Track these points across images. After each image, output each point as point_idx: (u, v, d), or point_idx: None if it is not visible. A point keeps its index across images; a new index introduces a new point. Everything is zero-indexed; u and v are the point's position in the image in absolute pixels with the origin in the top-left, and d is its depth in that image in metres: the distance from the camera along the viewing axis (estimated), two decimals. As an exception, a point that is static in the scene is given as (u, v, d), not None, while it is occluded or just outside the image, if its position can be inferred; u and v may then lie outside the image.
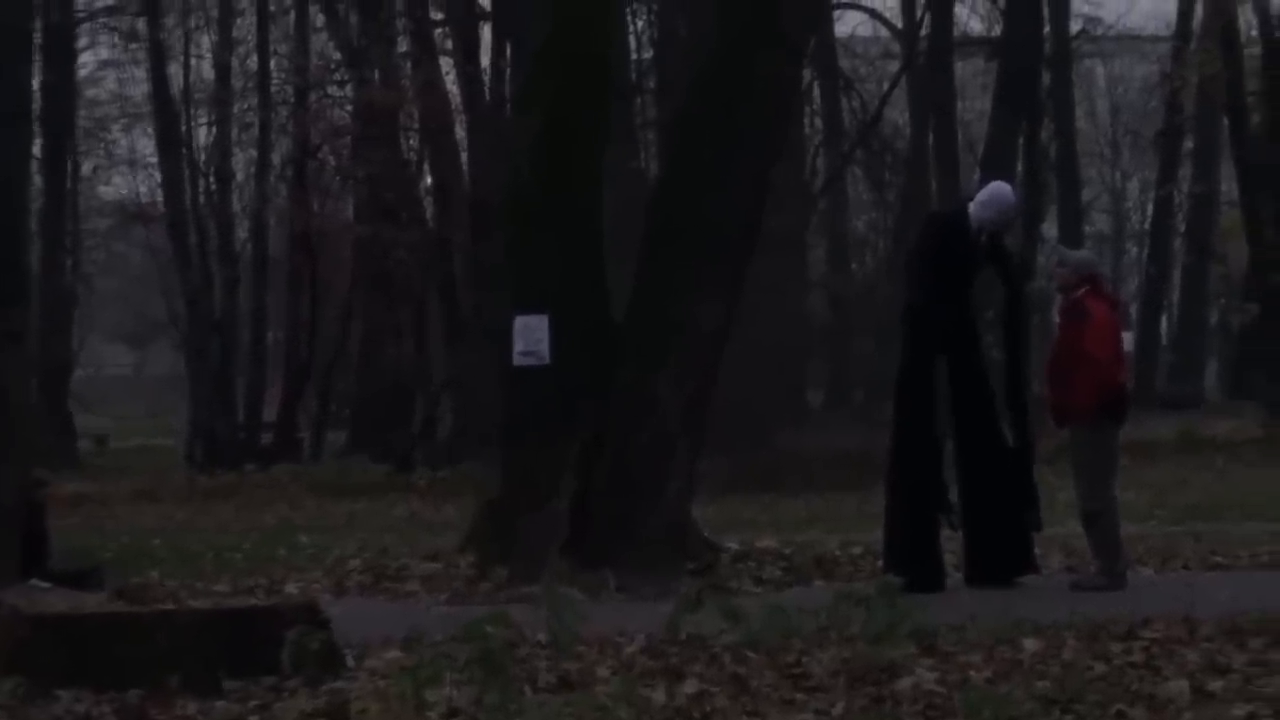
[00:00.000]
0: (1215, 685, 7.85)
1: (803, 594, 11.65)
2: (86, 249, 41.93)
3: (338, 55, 35.82)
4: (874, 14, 43.28)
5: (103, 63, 39.96)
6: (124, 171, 42.65)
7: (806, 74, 32.33)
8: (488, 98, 32.39)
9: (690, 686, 7.99)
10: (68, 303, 38.08)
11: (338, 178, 35.94)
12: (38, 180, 36.48)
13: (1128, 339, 32.87)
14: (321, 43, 37.07)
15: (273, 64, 36.38)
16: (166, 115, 35.70)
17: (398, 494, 25.94)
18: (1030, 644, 8.98)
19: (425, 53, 32.79)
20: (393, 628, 9.90)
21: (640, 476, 12.91)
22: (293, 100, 35.88)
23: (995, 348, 13.53)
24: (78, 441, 37.30)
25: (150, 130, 38.10)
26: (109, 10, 38.67)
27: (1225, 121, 37.95)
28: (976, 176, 32.95)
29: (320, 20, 36.61)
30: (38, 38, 35.07)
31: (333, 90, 36.13)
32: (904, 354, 12.56)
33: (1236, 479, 23.00)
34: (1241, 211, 36.38)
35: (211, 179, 36.12)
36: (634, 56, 33.61)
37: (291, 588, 13.06)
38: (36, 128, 35.68)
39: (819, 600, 9.92)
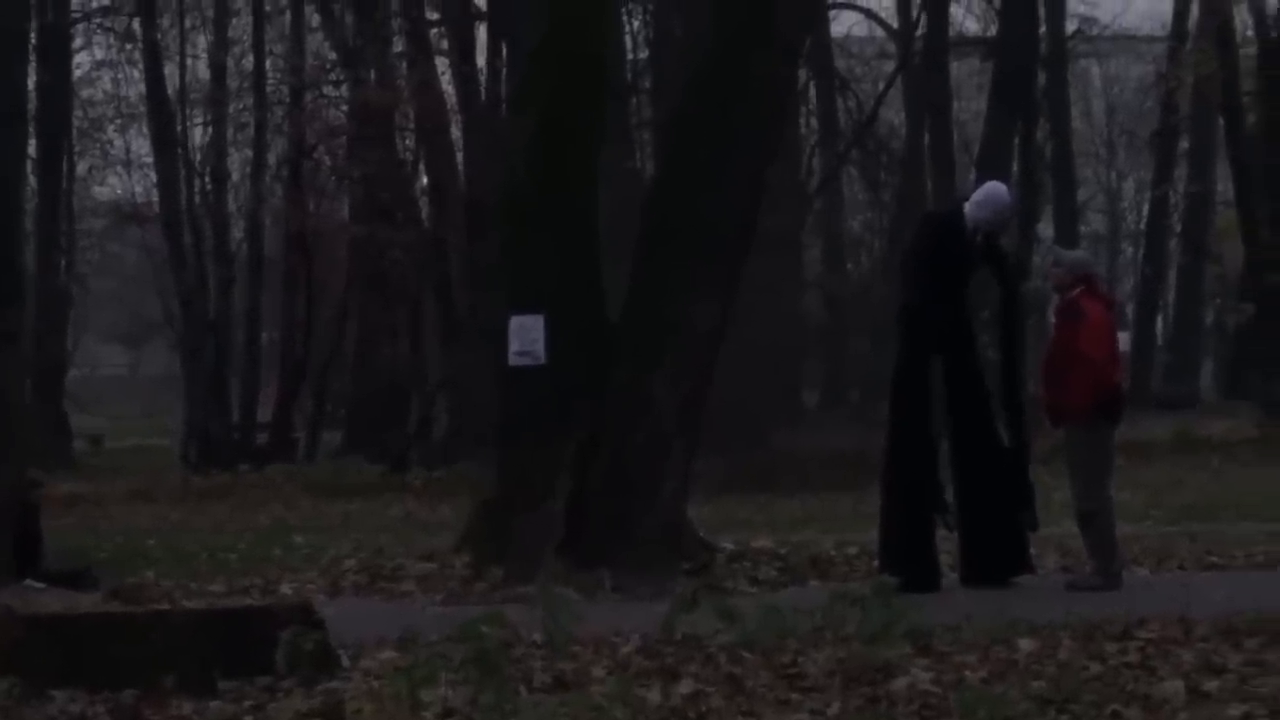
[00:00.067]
0: (1211, 685, 7.86)
1: (798, 594, 11.65)
2: (81, 249, 41.90)
3: (333, 55, 35.80)
4: (869, 14, 43.33)
5: (98, 63, 39.93)
6: (119, 172, 42.63)
7: (802, 74, 32.33)
8: (483, 98, 32.36)
9: (685, 686, 7.99)
10: (63, 303, 38.03)
11: (333, 178, 35.90)
12: (33, 180, 36.43)
13: (1124, 339, 32.86)
14: (317, 43, 37.05)
15: (268, 64, 36.34)
16: (162, 115, 35.64)
17: (393, 494, 25.92)
18: (1025, 644, 8.98)
19: (421, 53, 32.79)
20: (388, 628, 9.89)
21: (636, 476, 12.91)
22: (288, 100, 35.86)
23: (991, 348, 13.54)
24: (73, 441, 37.24)
25: (145, 130, 38.04)
26: (104, 11, 38.63)
27: (1221, 121, 38.03)
28: (972, 176, 32.96)
29: (316, 20, 36.60)
30: (33, 38, 35.13)
31: (328, 90, 36.12)
32: (899, 354, 12.57)
33: (1232, 479, 23.01)
34: (1237, 211, 36.41)
35: (207, 179, 36.06)
36: (630, 56, 33.64)
37: (286, 588, 13.06)
38: (31, 128, 35.62)
39: (814, 600, 9.93)
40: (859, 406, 34.23)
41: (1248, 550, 13.87)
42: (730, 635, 9.15)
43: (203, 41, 37.80)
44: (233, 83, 36.56)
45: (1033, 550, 12.63)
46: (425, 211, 34.79)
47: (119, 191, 43.21)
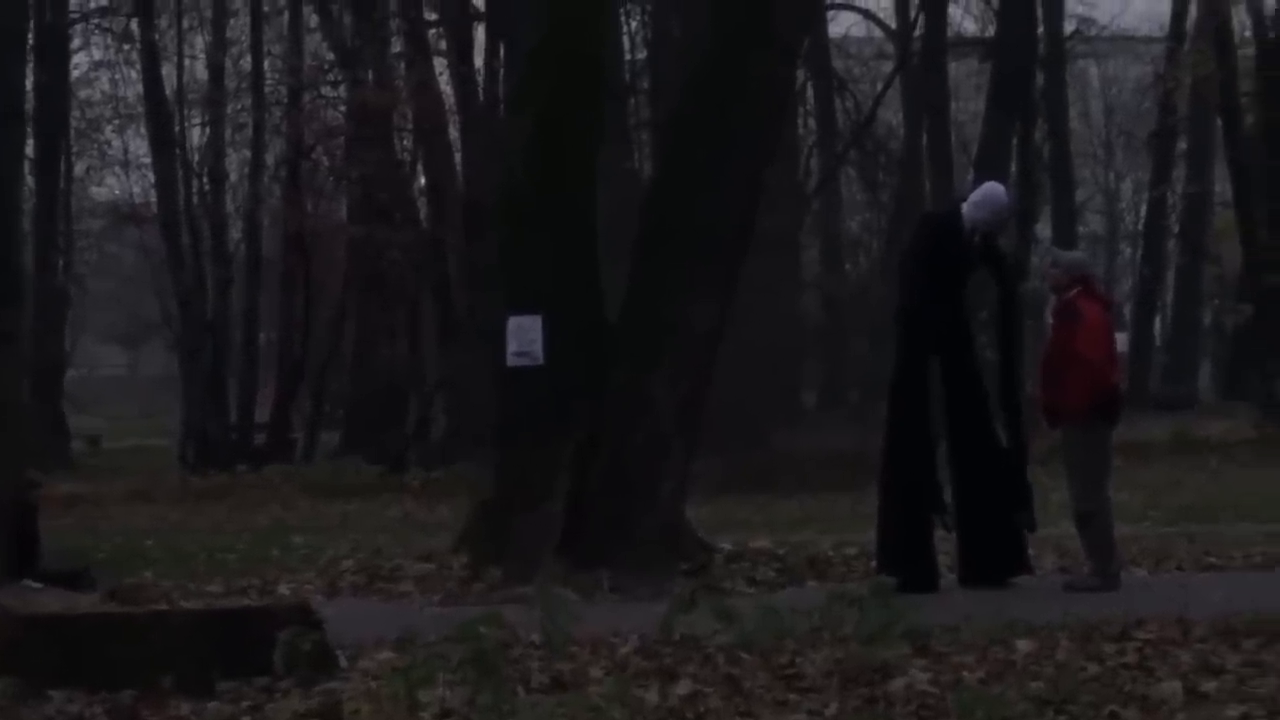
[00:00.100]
0: (1209, 686, 7.86)
1: (796, 595, 11.65)
2: (79, 250, 41.89)
3: (331, 56, 35.81)
4: (868, 14, 43.34)
5: (96, 63, 39.92)
6: (117, 172, 42.61)
7: (800, 74, 32.34)
8: (481, 98, 32.35)
9: (684, 687, 7.99)
10: (61, 303, 38.02)
11: (331, 178, 35.90)
12: (31, 181, 36.47)
13: (1122, 340, 32.86)
14: (315, 43, 37.06)
15: (266, 64, 36.34)
16: (159, 116, 35.64)
17: (391, 494, 25.92)
18: (1024, 645, 8.98)
19: (419, 53, 32.78)
20: (386, 628, 9.89)
21: (634, 477, 12.91)
22: (286, 101, 35.85)
23: (989, 348, 13.54)
24: (71, 442, 37.25)
25: (143, 131, 38.03)
26: (102, 11, 38.63)
27: (1219, 122, 37.99)
28: (970, 177, 32.95)
29: (314, 21, 36.60)
30: (31, 38, 35.14)
31: (326, 91, 36.11)
32: (898, 354, 12.57)
33: (1230, 480, 23.01)
34: (1235, 212, 36.37)
35: (205, 180, 36.05)
36: (628, 57, 33.64)
37: (284, 588, 13.06)
38: (30, 128, 35.72)
39: (812, 601, 9.93)
40: (857, 407, 34.16)
41: (1246, 551, 13.87)
42: (728, 636, 9.15)
43: (201, 42, 37.83)
44: (231, 83, 36.56)
45: (1031, 551, 12.63)
46: (423, 212, 34.78)
47: (117, 192, 43.24)
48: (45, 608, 9.36)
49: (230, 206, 36.96)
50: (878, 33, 43.69)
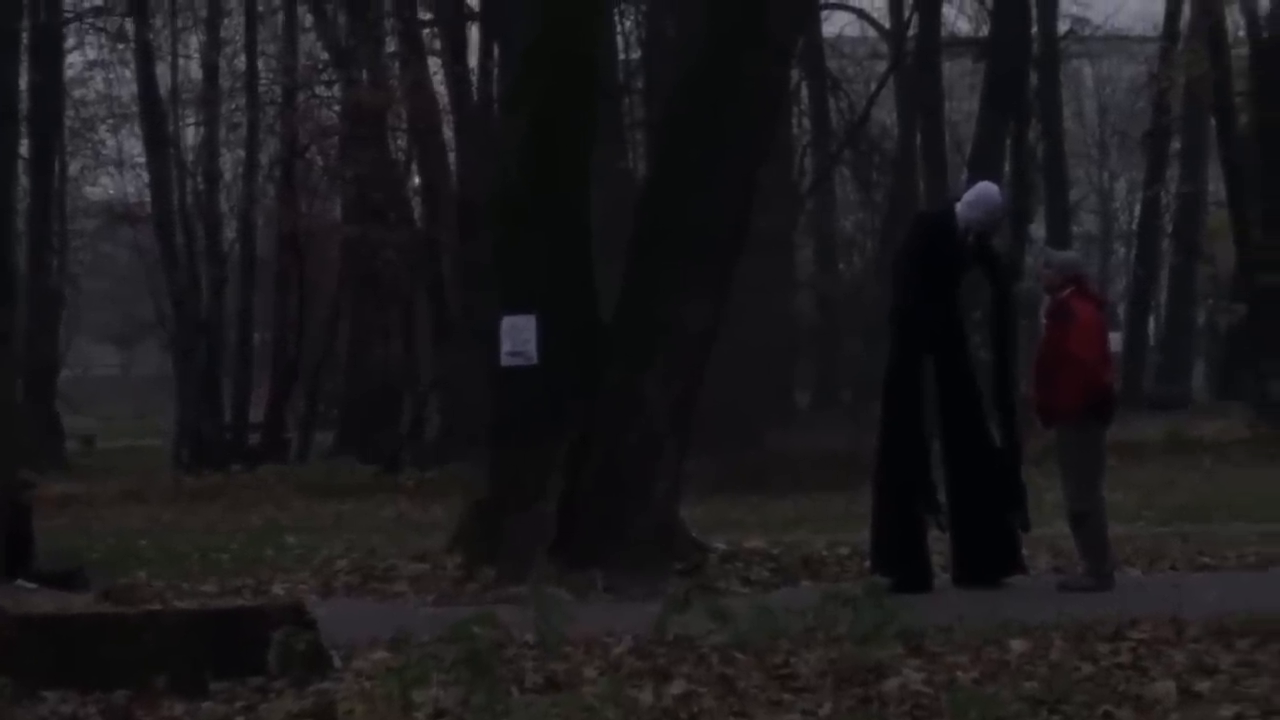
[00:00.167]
0: (1202, 686, 7.86)
1: (790, 594, 11.65)
2: (73, 249, 41.85)
3: (326, 55, 35.76)
4: (861, 14, 43.32)
5: (90, 63, 39.84)
6: (111, 172, 42.49)
7: (794, 74, 32.32)
8: (476, 98, 32.36)
9: (677, 687, 7.99)
10: (55, 303, 37.97)
11: (325, 178, 35.86)
12: (24, 180, 36.50)
13: (1116, 340, 32.86)
14: (310, 43, 37.01)
15: (261, 64, 36.31)
16: (154, 115, 35.61)
17: (385, 494, 25.90)
18: (1017, 645, 8.98)
19: (413, 53, 32.76)
20: (380, 628, 9.89)
21: (628, 477, 12.91)
22: (281, 100, 35.81)
23: (983, 348, 13.54)
24: (65, 442, 37.19)
25: (138, 130, 37.99)
26: (96, 10, 38.57)
27: (1213, 122, 37.98)
28: (964, 177, 32.95)
29: (308, 20, 36.54)
30: (25, 38, 35.15)
31: (321, 90, 36.07)
32: (891, 354, 12.57)
33: (1224, 480, 23.03)
34: (1229, 212, 36.38)
35: (199, 179, 36.01)
36: (622, 57, 33.59)
37: (278, 588, 13.04)
38: (24, 128, 35.78)
39: (806, 601, 9.93)
40: (851, 407, 34.14)
41: (1239, 551, 13.89)
42: (722, 636, 9.15)
43: (195, 41, 37.78)
44: (225, 83, 36.52)
45: (1025, 551, 12.64)
46: (418, 212, 34.77)
47: (111, 191, 43.12)
48: (39, 608, 9.34)
49: (225, 206, 36.92)
50: (872, 32, 43.69)
